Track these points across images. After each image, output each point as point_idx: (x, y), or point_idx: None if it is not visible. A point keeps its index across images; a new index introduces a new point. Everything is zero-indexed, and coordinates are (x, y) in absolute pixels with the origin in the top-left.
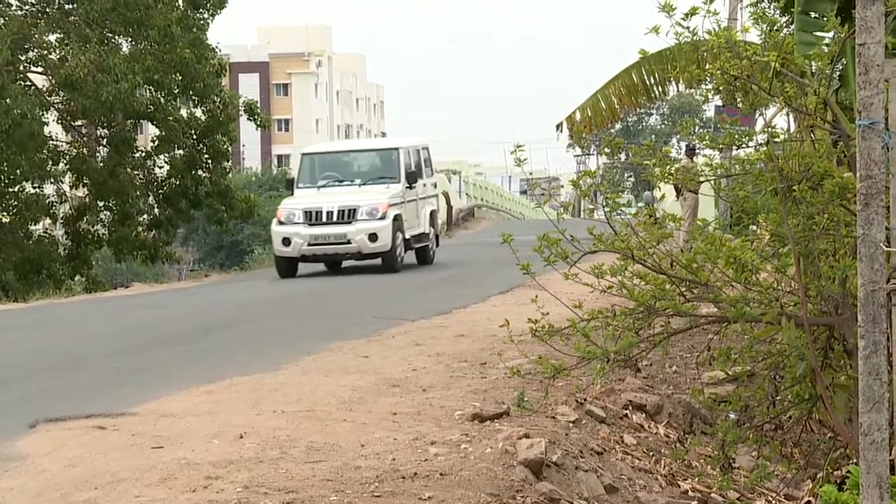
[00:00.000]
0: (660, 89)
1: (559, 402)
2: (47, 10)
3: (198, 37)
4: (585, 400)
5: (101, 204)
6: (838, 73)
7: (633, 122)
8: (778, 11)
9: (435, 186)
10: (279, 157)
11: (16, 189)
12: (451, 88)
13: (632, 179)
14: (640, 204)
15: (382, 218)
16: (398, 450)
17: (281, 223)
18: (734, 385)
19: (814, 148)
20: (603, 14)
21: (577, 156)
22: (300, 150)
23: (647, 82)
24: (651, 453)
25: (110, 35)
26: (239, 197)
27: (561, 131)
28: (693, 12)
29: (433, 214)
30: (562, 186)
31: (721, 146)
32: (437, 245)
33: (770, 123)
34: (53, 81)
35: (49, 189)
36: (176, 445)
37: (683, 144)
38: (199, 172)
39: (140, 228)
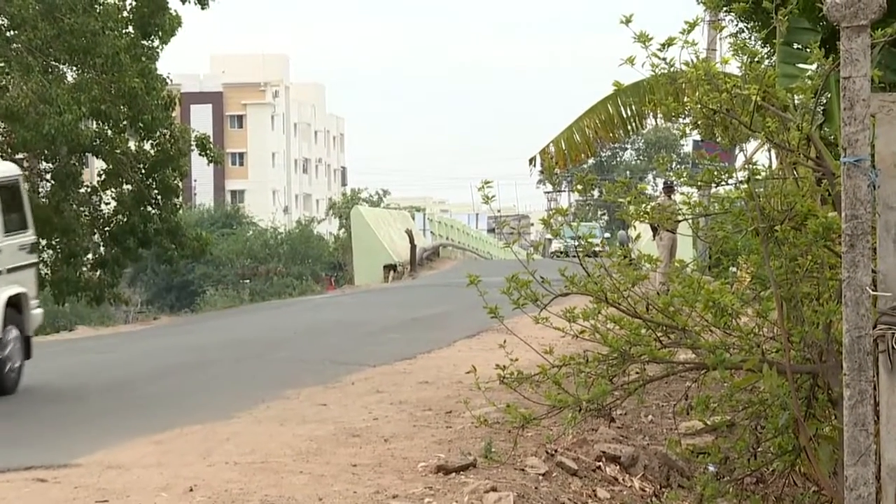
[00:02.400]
0: (636, 122)
1: (528, 453)
2: None
3: (147, 66)
4: (556, 451)
5: (43, 242)
6: (822, 107)
7: (607, 157)
8: (759, 42)
9: (33, 249)
10: (233, 192)
11: None
12: (416, 122)
13: (605, 217)
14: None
15: None
16: None
17: None
18: (713, 436)
19: (797, 186)
20: (576, 47)
21: (548, 192)
22: (256, 184)
23: (624, 115)
24: None
25: (55, 64)
26: (190, 235)
27: (534, 165)
28: (670, 42)
29: (20, 303)
30: (532, 225)
31: (699, 183)
32: (29, 356)
33: (751, 160)
34: None
35: None
36: (122, 499)
37: (660, 181)
38: (148, 209)
39: (85, 268)
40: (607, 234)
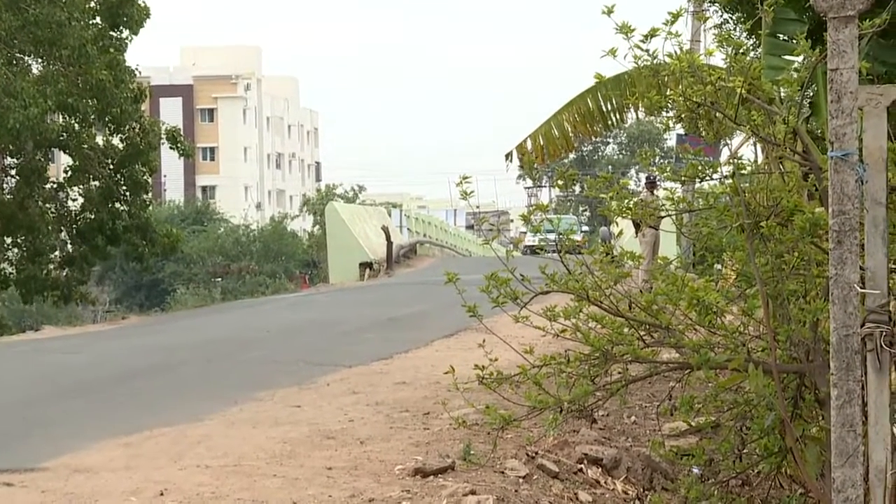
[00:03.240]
0: (617, 116)
1: (508, 455)
2: None
3: (115, 58)
4: (537, 453)
5: (8, 240)
6: (809, 100)
7: (588, 151)
8: (744, 34)
9: None
10: (204, 188)
11: None
12: (392, 116)
13: (587, 214)
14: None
15: None
16: None
17: None
18: (697, 437)
19: (783, 181)
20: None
21: (528, 188)
22: (227, 180)
23: (604, 109)
24: None
25: (19, 56)
26: (160, 231)
27: (511, 161)
28: (653, 34)
29: None
30: (511, 221)
31: (683, 178)
32: None
33: (736, 154)
34: None
35: None
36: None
37: (643, 176)
38: (117, 205)
39: (51, 266)
40: (586, 228)
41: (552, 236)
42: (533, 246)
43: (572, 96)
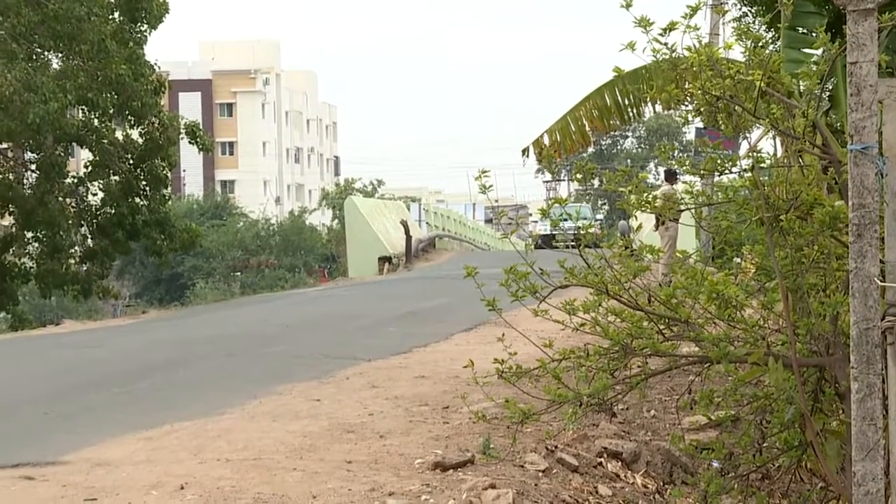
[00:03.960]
0: (634, 111)
1: (528, 449)
2: None
3: (135, 52)
4: (556, 447)
5: (28, 234)
6: (828, 93)
7: (607, 145)
8: (763, 27)
9: None
10: (223, 182)
11: None
12: (411, 110)
13: (606, 207)
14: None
15: None
16: (353, 502)
17: None
18: (717, 431)
19: (802, 174)
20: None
21: (547, 182)
22: (246, 174)
23: (621, 103)
24: None
25: (39, 51)
26: (179, 226)
27: (527, 156)
28: (671, 27)
29: None
30: (530, 215)
31: (702, 172)
32: None
33: (755, 147)
34: None
35: None
36: (111, 497)
37: (661, 170)
38: (136, 200)
39: (72, 261)
40: (600, 217)
41: (567, 224)
42: (545, 235)
43: (589, 91)
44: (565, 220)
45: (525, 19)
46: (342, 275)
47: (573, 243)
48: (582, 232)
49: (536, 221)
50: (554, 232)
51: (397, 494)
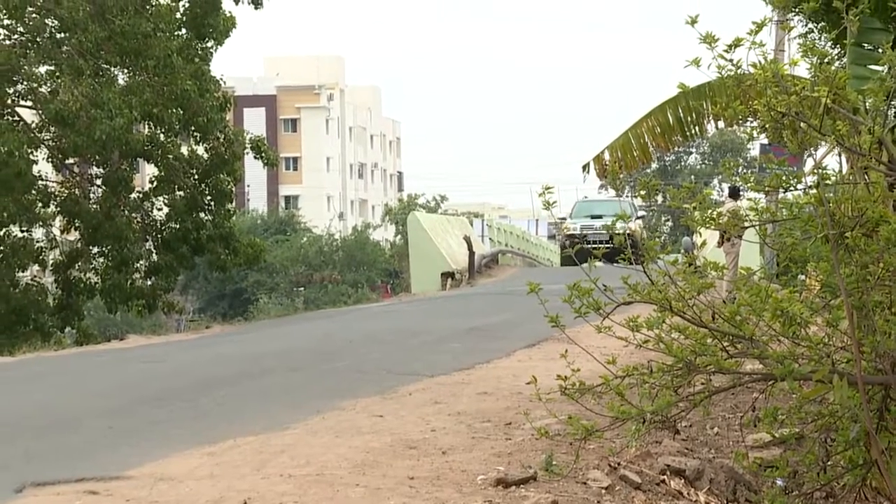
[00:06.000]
0: (697, 128)
1: (591, 466)
2: (38, 39)
3: (200, 68)
4: (619, 464)
5: (95, 249)
6: (895, 110)
7: (670, 161)
8: (829, 43)
9: None
10: (286, 198)
11: (1, 233)
12: (474, 126)
13: (669, 224)
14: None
15: None
16: None
17: None
18: (781, 449)
19: (868, 191)
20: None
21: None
22: (310, 190)
23: (684, 120)
24: None
25: (105, 66)
26: (243, 241)
27: (588, 172)
28: (737, 43)
29: None
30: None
31: (767, 188)
32: None
33: (820, 164)
34: (43, 116)
35: (38, 233)
36: None
37: (725, 186)
38: (201, 215)
39: (137, 276)
40: (642, 213)
41: (598, 223)
42: (573, 235)
43: (651, 107)
44: (598, 217)
45: (597, 31)
46: (405, 290)
47: (606, 242)
48: (613, 232)
49: (563, 219)
50: (585, 232)
51: None
